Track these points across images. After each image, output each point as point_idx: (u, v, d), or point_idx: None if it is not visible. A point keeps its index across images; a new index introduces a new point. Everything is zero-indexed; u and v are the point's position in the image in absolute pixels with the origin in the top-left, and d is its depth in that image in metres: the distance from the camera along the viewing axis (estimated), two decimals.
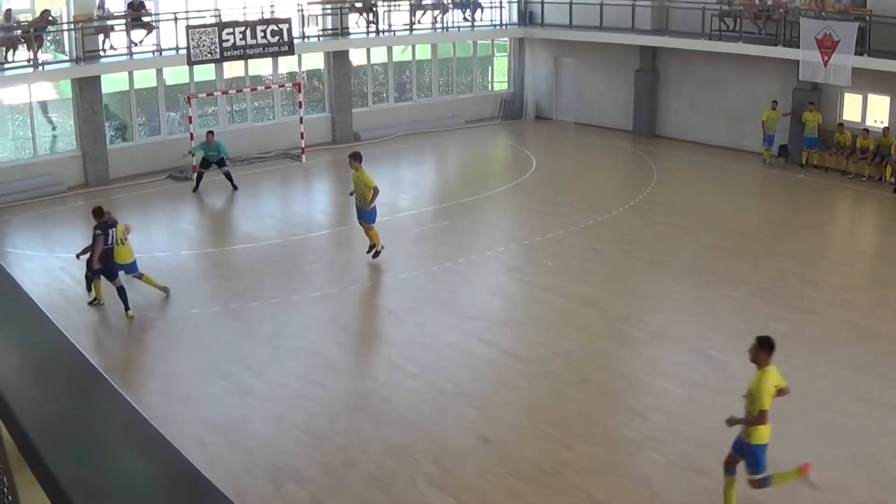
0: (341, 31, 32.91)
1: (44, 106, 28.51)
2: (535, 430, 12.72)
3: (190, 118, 27.90)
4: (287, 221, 23.96)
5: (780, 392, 10.23)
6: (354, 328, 17.22)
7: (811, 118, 27.70)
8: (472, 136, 34.76)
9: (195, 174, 26.45)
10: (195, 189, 26.26)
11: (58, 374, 2.30)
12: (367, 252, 19.73)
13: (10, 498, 2.40)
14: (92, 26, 27.06)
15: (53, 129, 28.56)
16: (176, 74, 29.75)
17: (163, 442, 1.81)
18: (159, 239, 22.48)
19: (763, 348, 10.08)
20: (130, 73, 28.48)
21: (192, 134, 27.35)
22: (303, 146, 30.05)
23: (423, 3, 35.10)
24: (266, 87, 31.48)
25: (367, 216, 19.65)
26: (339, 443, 12.36)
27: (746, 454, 10.27)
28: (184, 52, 28.06)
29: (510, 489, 11.25)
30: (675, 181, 27.48)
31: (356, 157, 19.63)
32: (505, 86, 38.92)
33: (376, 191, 19.34)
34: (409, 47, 35.95)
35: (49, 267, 19.72)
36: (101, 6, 27.45)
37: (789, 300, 17.58)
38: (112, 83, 28.59)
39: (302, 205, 26.69)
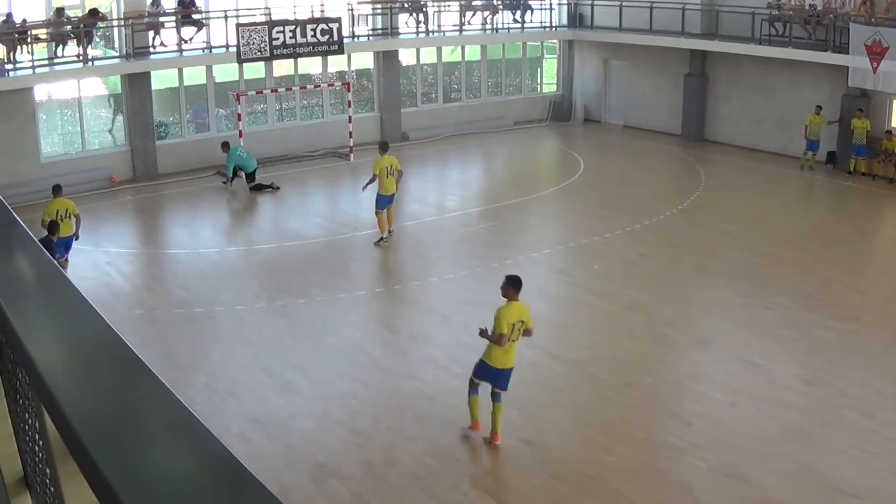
0: (391, 30, 32.96)
1: (118, 100, 28.57)
2: (577, 433, 12.67)
3: (239, 115, 28.06)
4: (334, 220, 24.05)
5: (526, 332, 11.84)
6: (399, 327, 17.20)
7: (859, 125, 27.30)
8: (520, 137, 34.70)
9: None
10: (227, 182, 26.44)
11: (104, 366, 2.30)
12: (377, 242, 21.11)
13: (52, 489, 2.41)
14: (143, 23, 27.30)
15: (111, 129, 28.80)
16: (225, 72, 29.95)
17: (209, 436, 1.80)
18: (205, 235, 22.70)
19: (510, 285, 11.66)
20: (180, 70, 28.74)
21: (240, 131, 27.47)
22: (351, 145, 30.11)
23: (473, 3, 35.10)
24: (315, 86, 31.65)
25: (376, 200, 20.82)
26: (382, 441, 12.38)
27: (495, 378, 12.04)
28: (233, 49, 28.26)
29: (552, 492, 11.21)
30: (722, 186, 27.25)
31: (380, 146, 21.40)
32: (554, 88, 38.76)
33: (372, 178, 20.70)
34: (459, 48, 35.96)
35: (96, 261, 19.87)
36: (157, 3, 27.65)
37: (834, 308, 17.38)
38: (161, 80, 28.85)
39: (349, 204, 26.69)
